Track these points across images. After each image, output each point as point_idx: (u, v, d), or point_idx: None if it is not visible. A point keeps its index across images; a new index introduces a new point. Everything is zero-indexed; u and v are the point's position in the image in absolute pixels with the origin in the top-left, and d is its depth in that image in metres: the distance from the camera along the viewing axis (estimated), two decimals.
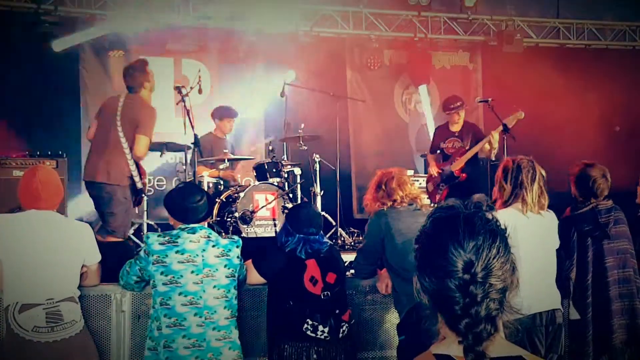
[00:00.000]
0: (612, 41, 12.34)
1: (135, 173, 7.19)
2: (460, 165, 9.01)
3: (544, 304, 5.26)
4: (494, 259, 2.30)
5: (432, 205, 10.36)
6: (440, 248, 2.30)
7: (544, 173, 5.36)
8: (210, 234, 5.08)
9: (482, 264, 2.28)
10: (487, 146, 8.88)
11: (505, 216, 5.32)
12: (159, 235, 4.97)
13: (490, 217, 2.38)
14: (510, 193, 5.33)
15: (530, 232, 5.27)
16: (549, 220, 5.48)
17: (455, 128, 9.28)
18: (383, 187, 5.74)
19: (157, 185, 10.52)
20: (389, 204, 5.66)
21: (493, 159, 9.00)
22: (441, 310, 2.33)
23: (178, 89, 7.95)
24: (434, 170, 9.22)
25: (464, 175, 9.02)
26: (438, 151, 9.31)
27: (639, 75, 12.23)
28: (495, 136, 8.75)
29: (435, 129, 9.67)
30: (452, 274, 2.27)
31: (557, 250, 5.51)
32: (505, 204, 5.35)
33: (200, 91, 8.53)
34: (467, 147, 9.09)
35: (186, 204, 5.06)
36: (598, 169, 5.83)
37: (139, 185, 7.25)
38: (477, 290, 2.26)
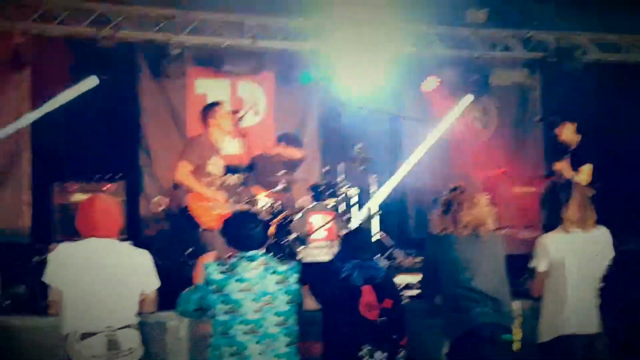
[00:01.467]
0: None
1: None
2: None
3: (584, 326, 5.22)
4: None
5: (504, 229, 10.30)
6: None
7: (582, 192, 5.32)
8: (269, 260, 5.09)
9: None
10: None
11: (549, 240, 5.30)
12: (218, 264, 5.00)
13: None
14: (549, 215, 5.33)
15: (575, 250, 5.27)
16: (598, 237, 5.45)
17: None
18: (454, 207, 5.52)
19: None
20: (453, 228, 5.49)
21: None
22: None
23: (234, 112, 8.09)
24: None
25: None
26: None
27: None
28: None
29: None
30: None
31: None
32: (547, 226, 5.34)
33: (256, 113, 8.62)
34: None
35: (242, 232, 5.08)
36: None
37: None
38: None
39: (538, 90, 12.12)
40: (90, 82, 9.62)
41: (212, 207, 7.97)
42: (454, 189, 5.62)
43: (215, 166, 8.24)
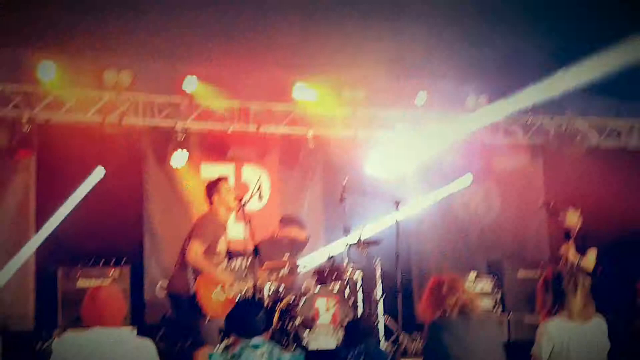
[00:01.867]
0: None
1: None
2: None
3: None
4: None
5: (494, 311, 10.27)
6: None
7: (587, 282, 5.32)
8: (273, 348, 5.07)
9: None
10: None
11: (553, 327, 5.28)
12: (221, 354, 4.98)
13: None
14: (553, 303, 5.30)
15: (577, 340, 5.24)
16: (596, 327, 5.43)
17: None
18: (439, 291, 5.65)
19: None
20: (442, 310, 5.57)
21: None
22: None
23: (238, 199, 8.15)
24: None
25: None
26: None
27: None
28: None
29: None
30: None
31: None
32: (549, 315, 5.31)
33: (260, 197, 8.67)
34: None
35: (246, 318, 5.08)
36: None
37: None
38: None
39: (540, 174, 12.19)
40: (98, 174, 9.77)
41: (220, 294, 7.94)
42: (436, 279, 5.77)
43: (224, 245, 8.26)
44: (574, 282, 5.30)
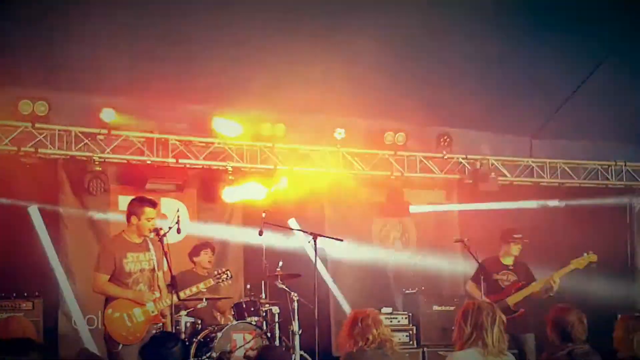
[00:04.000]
0: (585, 180, 12.58)
1: None
2: (517, 299, 9.19)
3: None
4: None
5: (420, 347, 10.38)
6: None
7: (504, 318, 5.41)
8: None
9: None
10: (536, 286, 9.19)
11: (464, 358, 5.34)
12: None
13: None
14: (470, 335, 5.36)
15: None
16: None
17: (508, 261, 9.55)
18: (359, 324, 5.82)
19: None
20: (361, 343, 5.74)
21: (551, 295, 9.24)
22: None
23: (156, 231, 8.05)
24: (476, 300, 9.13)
25: (522, 310, 9.13)
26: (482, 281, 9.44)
27: (612, 212, 12.48)
28: (556, 279, 9.12)
29: (484, 260, 9.51)
30: None
31: None
32: (464, 346, 5.37)
33: (179, 231, 8.60)
34: (521, 282, 9.35)
35: (161, 351, 5.04)
36: (575, 313, 5.88)
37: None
38: None
39: (456, 210, 12.43)
40: None
41: (138, 316, 7.85)
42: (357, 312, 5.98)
43: (134, 262, 8.09)
44: (492, 316, 5.37)
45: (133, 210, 8.12)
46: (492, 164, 12.13)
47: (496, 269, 9.47)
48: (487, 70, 10.68)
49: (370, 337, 5.75)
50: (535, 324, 8.60)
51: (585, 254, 9.31)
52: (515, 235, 9.56)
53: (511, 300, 9.25)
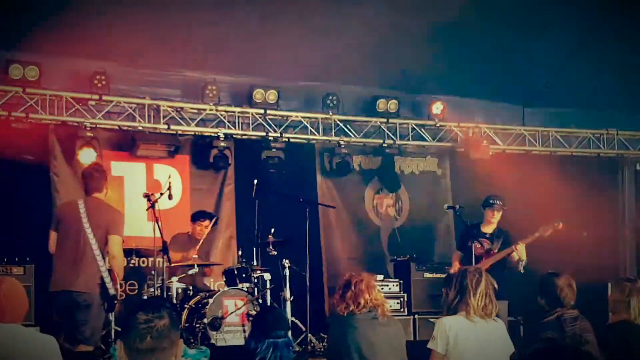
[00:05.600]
0: (577, 148, 12.59)
1: (107, 279, 7.19)
2: (484, 267, 9.02)
3: None
4: None
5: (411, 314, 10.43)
6: None
7: (494, 284, 5.45)
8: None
9: None
10: (515, 256, 9.02)
11: (450, 322, 5.40)
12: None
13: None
14: (454, 298, 5.42)
15: (475, 337, 5.34)
16: (497, 328, 5.55)
17: (488, 229, 9.41)
18: (352, 288, 5.85)
19: (129, 290, 10.32)
20: (352, 307, 5.78)
21: (522, 271, 9.07)
22: None
23: (147, 196, 8.05)
24: (455, 269, 9.11)
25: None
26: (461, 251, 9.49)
27: (603, 181, 12.51)
28: (521, 249, 8.94)
29: (467, 226, 9.57)
30: None
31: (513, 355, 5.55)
32: (450, 310, 5.42)
33: (170, 197, 8.61)
34: (495, 250, 9.19)
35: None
36: (564, 278, 5.92)
37: (112, 291, 7.22)
38: None
39: (448, 178, 12.44)
40: None
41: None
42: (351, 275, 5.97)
43: None
44: (477, 279, 5.42)
45: (100, 183, 7.84)
46: (485, 132, 12.12)
47: (473, 237, 9.32)
48: (479, 37, 10.64)
49: (362, 302, 5.79)
50: (507, 290, 8.52)
51: (554, 223, 9.17)
52: (492, 201, 9.44)
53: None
